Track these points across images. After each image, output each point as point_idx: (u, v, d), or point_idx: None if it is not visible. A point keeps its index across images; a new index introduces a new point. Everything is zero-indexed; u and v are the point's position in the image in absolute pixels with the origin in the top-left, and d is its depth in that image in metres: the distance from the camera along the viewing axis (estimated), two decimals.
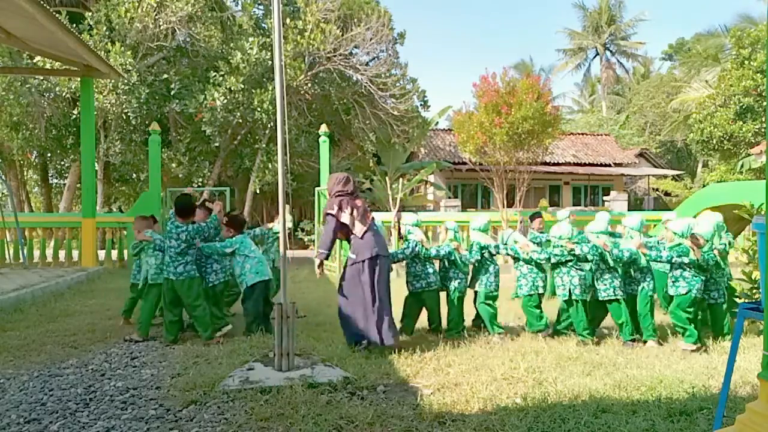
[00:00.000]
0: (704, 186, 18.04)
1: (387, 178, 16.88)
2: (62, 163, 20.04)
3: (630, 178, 29.16)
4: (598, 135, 29.26)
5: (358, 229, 5.21)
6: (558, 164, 24.40)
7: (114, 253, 12.17)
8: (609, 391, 4.06)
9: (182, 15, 14.24)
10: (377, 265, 5.13)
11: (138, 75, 14.14)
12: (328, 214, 5.26)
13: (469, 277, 6.08)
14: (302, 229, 20.57)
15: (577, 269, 5.71)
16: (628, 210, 21.45)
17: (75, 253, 11.76)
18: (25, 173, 21.22)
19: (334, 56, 15.57)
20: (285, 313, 4.46)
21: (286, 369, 4.42)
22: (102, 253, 12.31)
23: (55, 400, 3.96)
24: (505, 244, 6.16)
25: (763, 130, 19.01)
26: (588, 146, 27.29)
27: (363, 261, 5.11)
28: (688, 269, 5.36)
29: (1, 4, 7.42)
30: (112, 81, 13.52)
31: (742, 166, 19.95)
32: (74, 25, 12.93)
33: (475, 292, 6.03)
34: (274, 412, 3.67)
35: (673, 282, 5.46)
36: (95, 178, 13.49)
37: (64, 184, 20.33)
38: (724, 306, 5.56)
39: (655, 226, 10.02)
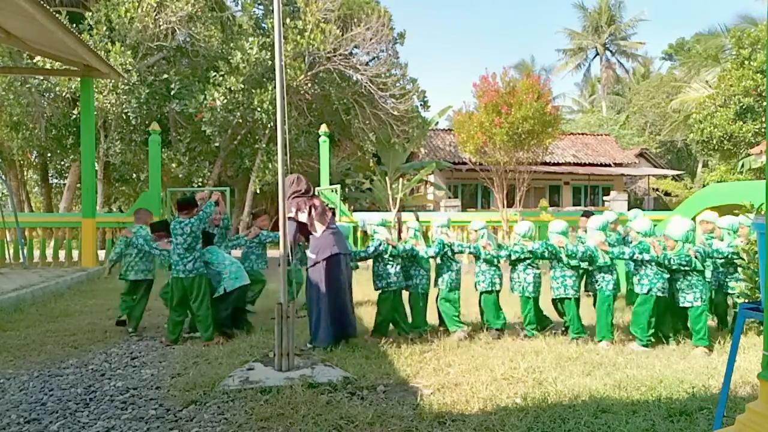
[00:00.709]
0: (704, 186, 18.03)
1: (387, 178, 16.91)
2: (62, 163, 20.04)
3: (630, 178, 29.16)
4: (598, 135, 29.26)
5: (318, 227, 5.27)
6: (558, 164, 24.40)
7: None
8: (609, 391, 4.06)
9: (182, 15, 14.24)
10: (338, 263, 5.18)
11: (138, 75, 14.14)
12: (289, 218, 5.19)
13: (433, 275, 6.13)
14: None
15: (532, 267, 5.85)
16: (628, 210, 21.44)
17: (75, 253, 11.76)
18: (25, 173, 21.22)
19: (334, 56, 15.57)
20: (285, 313, 4.46)
21: (286, 369, 4.43)
22: (102, 253, 12.30)
23: (55, 400, 3.97)
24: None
25: (763, 130, 19.01)
26: (588, 146, 27.29)
27: (323, 260, 5.17)
28: (650, 267, 5.39)
29: (1, 4, 7.41)
30: (112, 81, 13.52)
31: (742, 166, 19.95)
32: (74, 25, 12.92)
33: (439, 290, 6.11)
34: (274, 412, 3.67)
35: (638, 281, 5.51)
36: (95, 178, 13.49)
37: (64, 184, 20.34)
38: (701, 311, 5.30)
39: (655, 226, 10.00)
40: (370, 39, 16.28)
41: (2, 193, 21.85)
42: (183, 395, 4.00)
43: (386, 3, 32.76)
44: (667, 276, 5.40)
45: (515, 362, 4.80)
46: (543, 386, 4.17)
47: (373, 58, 18.15)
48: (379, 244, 5.67)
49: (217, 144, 15.70)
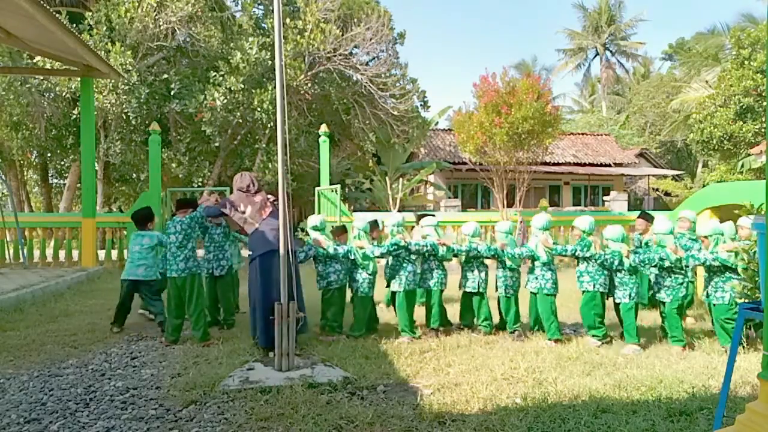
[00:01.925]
0: (704, 186, 18.02)
1: (387, 178, 16.91)
2: (62, 163, 20.04)
3: (630, 178, 29.16)
4: (598, 135, 29.26)
5: (249, 226, 5.30)
6: (558, 164, 24.40)
7: (114, 253, 12.17)
8: (609, 391, 4.06)
9: (182, 15, 14.24)
10: (269, 260, 5.11)
11: (138, 75, 14.14)
12: (222, 213, 5.49)
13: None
14: (302, 229, 20.55)
15: (482, 267, 6.06)
16: (628, 210, 21.45)
17: (75, 253, 11.76)
18: (25, 173, 21.21)
19: (334, 56, 15.57)
20: (285, 313, 4.47)
21: (286, 369, 4.43)
22: (102, 253, 12.31)
23: (55, 400, 3.97)
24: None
25: (763, 130, 19.01)
26: (588, 146, 27.28)
27: (257, 257, 5.17)
28: (591, 264, 5.61)
29: (1, 4, 7.41)
30: (112, 81, 13.52)
31: (742, 166, 19.95)
32: (74, 25, 12.93)
33: (393, 293, 6.12)
34: (274, 412, 3.67)
35: (578, 277, 5.73)
36: (95, 178, 13.49)
37: (64, 184, 20.33)
38: (629, 307, 5.52)
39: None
40: (370, 39, 16.27)
41: (2, 193, 21.84)
42: (183, 395, 4.00)
43: (386, 3, 32.82)
44: (606, 273, 5.65)
45: (515, 362, 4.80)
46: (543, 386, 4.17)
47: (373, 58, 18.14)
48: (310, 248, 5.82)
49: (217, 144, 15.70)
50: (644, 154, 29.04)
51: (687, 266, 5.58)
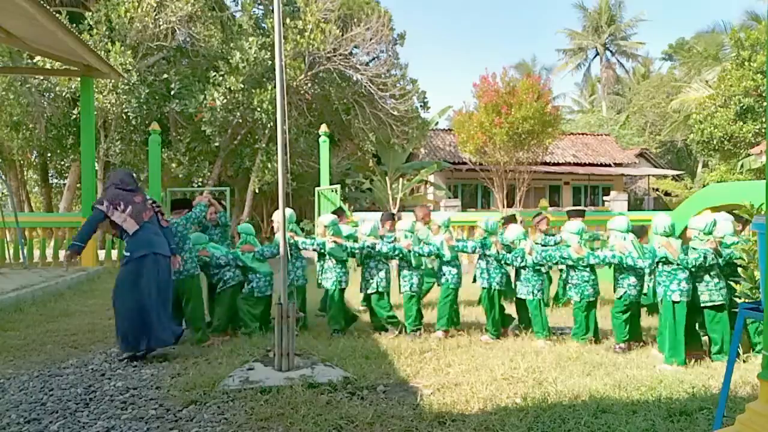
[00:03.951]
0: (704, 186, 18.02)
1: (387, 178, 16.91)
2: (62, 163, 20.02)
3: (630, 178, 29.15)
4: (598, 135, 29.25)
5: (130, 227, 5.06)
6: (558, 164, 24.39)
7: (114, 253, 12.17)
8: (609, 391, 4.06)
9: (182, 15, 14.24)
10: (150, 263, 5.00)
11: (138, 75, 14.14)
12: (94, 206, 5.12)
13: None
14: (302, 229, 20.54)
15: (381, 266, 6.11)
16: (628, 210, 21.45)
17: None
18: (25, 173, 21.20)
19: (334, 56, 15.57)
20: (285, 313, 4.46)
21: (286, 369, 4.42)
22: (102, 253, 12.31)
23: (55, 400, 3.96)
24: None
25: (763, 130, 19.00)
26: (588, 146, 27.28)
27: (134, 259, 4.99)
28: (491, 262, 5.87)
29: (1, 4, 7.41)
30: (112, 81, 13.52)
31: (742, 166, 19.95)
32: (74, 25, 12.92)
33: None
34: (274, 412, 3.67)
35: (479, 274, 5.98)
36: (95, 178, 13.47)
37: (64, 184, 20.31)
38: (534, 304, 5.76)
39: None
40: (370, 39, 16.27)
41: (2, 193, 21.84)
42: (183, 395, 4.00)
43: (386, 3, 32.81)
44: (505, 271, 5.92)
45: (515, 362, 4.80)
46: (543, 386, 4.17)
47: (373, 59, 18.15)
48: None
49: (217, 144, 15.70)
50: (644, 154, 29.03)
51: (591, 264, 5.72)
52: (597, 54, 44.29)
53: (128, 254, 5.04)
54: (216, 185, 16.20)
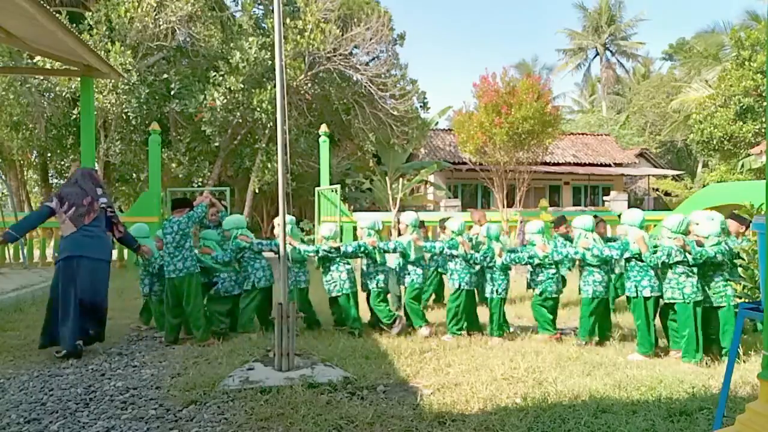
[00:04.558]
0: (704, 186, 18.02)
1: (387, 178, 16.89)
2: (62, 163, 20.00)
3: (630, 178, 29.15)
4: (598, 135, 29.24)
5: (66, 230, 5.16)
6: (558, 164, 24.39)
7: (114, 253, 12.16)
8: (609, 391, 4.06)
9: (182, 15, 14.23)
10: (70, 266, 5.08)
11: (138, 75, 14.13)
12: (43, 203, 5.35)
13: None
14: (302, 229, 20.54)
15: (341, 267, 6.12)
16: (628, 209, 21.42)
17: None
18: (25, 173, 21.18)
19: (334, 56, 15.56)
20: (285, 313, 4.46)
21: (286, 369, 4.42)
22: None
23: (55, 400, 3.96)
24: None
25: (763, 130, 19.00)
26: (588, 146, 27.28)
27: (59, 261, 5.14)
28: (458, 262, 5.95)
29: (1, 4, 7.41)
30: (112, 81, 13.51)
31: (742, 166, 19.95)
32: (74, 25, 12.91)
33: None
34: (274, 412, 3.67)
35: (450, 275, 6.05)
36: None
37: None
38: (496, 302, 5.89)
39: (654, 225, 10.02)
40: (370, 39, 16.27)
41: (2, 193, 21.83)
42: (183, 395, 4.00)
43: (386, 3, 32.79)
44: (473, 271, 6.00)
45: (515, 362, 4.80)
46: (543, 386, 4.17)
47: (373, 59, 18.14)
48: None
49: (217, 144, 15.70)
50: (644, 154, 29.03)
51: (557, 262, 5.92)
52: (597, 54, 44.28)
53: (58, 254, 5.21)
54: (216, 185, 16.19)
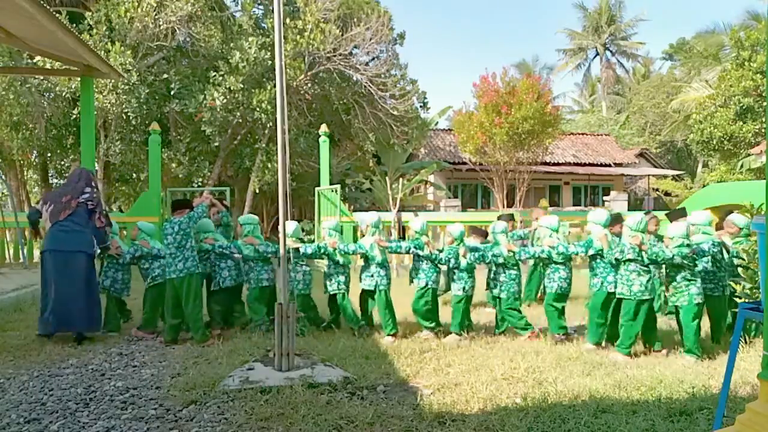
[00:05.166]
0: (704, 186, 18.02)
1: (387, 178, 16.87)
2: (62, 163, 20.01)
3: (630, 178, 29.16)
4: (598, 135, 29.25)
5: (46, 225, 5.64)
6: (558, 164, 24.39)
7: None
8: (609, 391, 4.06)
9: (182, 15, 14.23)
10: (47, 259, 5.52)
11: (138, 75, 14.13)
12: (35, 209, 5.87)
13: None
14: (302, 229, 20.52)
15: (299, 268, 6.16)
16: (629, 210, 21.45)
17: None
18: (25, 173, 21.18)
19: (334, 56, 15.56)
20: (285, 313, 4.46)
21: (286, 369, 4.42)
22: None
23: (55, 400, 3.97)
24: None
25: (763, 130, 19.00)
26: (588, 146, 27.28)
27: (41, 254, 5.59)
28: (425, 262, 5.98)
29: (1, 4, 7.41)
30: (112, 81, 13.51)
31: (742, 166, 19.94)
32: (74, 25, 12.92)
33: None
34: (274, 412, 3.67)
35: (416, 274, 6.06)
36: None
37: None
38: (459, 300, 5.92)
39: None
40: (370, 39, 16.26)
41: (2, 193, 21.83)
42: (183, 395, 4.00)
43: (386, 3, 32.79)
44: (438, 270, 6.03)
45: (515, 362, 4.80)
46: (543, 386, 4.17)
47: (373, 59, 18.12)
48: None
49: (217, 144, 15.69)
50: (644, 154, 29.03)
51: (521, 261, 6.00)
52: (597, 54, 44.28)
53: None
54: (216, 185, 16.19)
